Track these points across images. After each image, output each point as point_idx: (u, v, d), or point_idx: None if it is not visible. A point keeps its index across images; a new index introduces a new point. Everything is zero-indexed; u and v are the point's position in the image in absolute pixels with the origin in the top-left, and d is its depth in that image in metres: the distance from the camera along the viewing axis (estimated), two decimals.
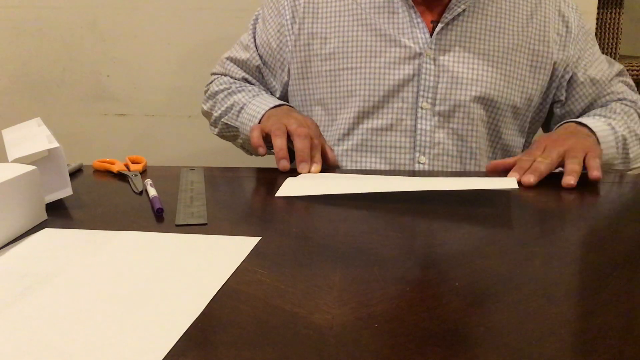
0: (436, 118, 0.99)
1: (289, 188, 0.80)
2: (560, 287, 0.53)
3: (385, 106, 1.00)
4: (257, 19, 1.13)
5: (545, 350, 0.42)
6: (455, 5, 0.98)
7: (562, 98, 1.06)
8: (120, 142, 1.62)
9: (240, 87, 1.09)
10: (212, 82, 1.15)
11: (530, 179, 0.80)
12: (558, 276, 0.55)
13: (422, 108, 0.99)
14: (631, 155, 0.98)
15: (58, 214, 0.71)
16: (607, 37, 1.65)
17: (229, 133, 1.09)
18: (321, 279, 0.53)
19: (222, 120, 1.08)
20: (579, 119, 0.97)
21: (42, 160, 0.75)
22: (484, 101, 1.00)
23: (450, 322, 0.46)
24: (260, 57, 1.10)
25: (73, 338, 0.44)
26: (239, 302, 0.50)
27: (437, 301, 0.49)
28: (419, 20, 0.99)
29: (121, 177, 0.87)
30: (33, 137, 0.77)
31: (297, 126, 0.89)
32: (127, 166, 0.89)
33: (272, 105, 1.00)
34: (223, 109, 1.08)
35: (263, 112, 0.99)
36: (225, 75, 1.13)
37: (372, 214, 0.73)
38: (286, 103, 1.04)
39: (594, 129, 0.93)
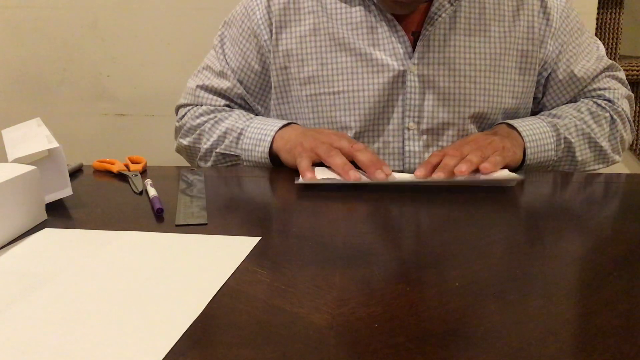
0: (424, 137, 0.95)
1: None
2: (560, 287, 0.53)
3: (371, 129, 0.96)
4: (222, 40, 1.05)
5: (545, 350, 0.42)
6: (435, 13, 0.92)
7: (539, 95, 1.02)
8: (120, 142, 1.63)
9: (227, 114, 1.01)
10: (184, 115, 1.06)
11: (441, 175, 0.80)
12: (558, 276, 0.55)
13: (408, 129, 0.95)
14: (579, 159, 0.96)
15: (58, 214, 0.71)
16: (607, 37, 1.65)
17: (224, 164, 1.00)
18: (321, 279, 0.53)
19: (217, 150, 0.99)
20: (511, 121, 0.94)
21: (42, 160, 0.75)
22: (478, 118, 0.96)
23: (450, 322, 0.46)
24: (240, 82, 1.03)
25: (73, 338, 0.44)
26: (239, 302, 0.50)
27: (437, 301, 0.49)
28: (401, 33, 0.93)
29: (121, 177, 0.87)
30: (33, 137, 0.77)
31: (347, 142, 0.85)
32: (127, 166, 0.89)
33: (280, 125, 0.94)
34: (214, 138, 0.99)
35: (273, 133, 0.93)
36: (201, 105, 1.05)
37: (372, 214, 0.73)
38: (292, 122, 0.98)
39: (522, 133, 0.91)
